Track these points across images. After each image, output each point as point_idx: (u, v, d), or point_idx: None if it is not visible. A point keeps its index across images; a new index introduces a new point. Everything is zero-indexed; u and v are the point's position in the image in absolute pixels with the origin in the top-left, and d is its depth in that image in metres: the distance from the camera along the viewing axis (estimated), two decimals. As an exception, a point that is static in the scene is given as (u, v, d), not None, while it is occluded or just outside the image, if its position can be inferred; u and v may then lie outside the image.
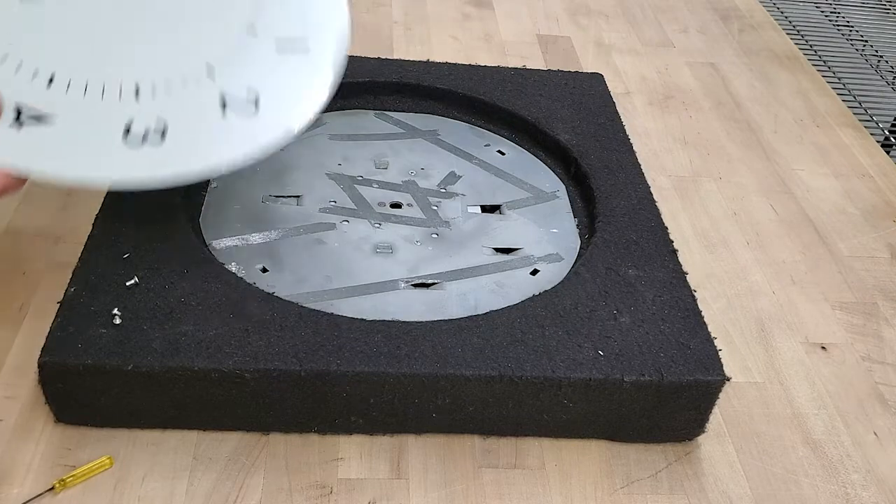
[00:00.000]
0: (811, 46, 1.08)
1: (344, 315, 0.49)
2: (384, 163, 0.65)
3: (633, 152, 0.66)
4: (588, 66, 0.88)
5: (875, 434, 0.54)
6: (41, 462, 0.46)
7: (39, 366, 0.45)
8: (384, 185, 0.63)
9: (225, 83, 0.41)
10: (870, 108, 0.98)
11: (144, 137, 0.39)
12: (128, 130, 0.39)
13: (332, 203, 0.60)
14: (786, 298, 0.63)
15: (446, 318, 0.50)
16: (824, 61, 1.05)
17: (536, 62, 0.88)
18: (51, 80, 0.41)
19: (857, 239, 0.70)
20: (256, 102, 0.41)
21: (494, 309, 0.51)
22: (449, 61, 0.73)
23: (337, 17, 0.47)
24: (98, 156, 0.40)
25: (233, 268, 0.53)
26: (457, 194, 0.63)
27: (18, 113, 0.41)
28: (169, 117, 0.39)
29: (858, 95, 1.00)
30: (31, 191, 0.62)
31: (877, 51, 1.10)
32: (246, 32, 0.44)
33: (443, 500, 0.47)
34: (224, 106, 0.41)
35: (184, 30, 0.44)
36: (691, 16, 1.02)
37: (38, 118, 0.41)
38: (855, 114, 0.88)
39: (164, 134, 0.39)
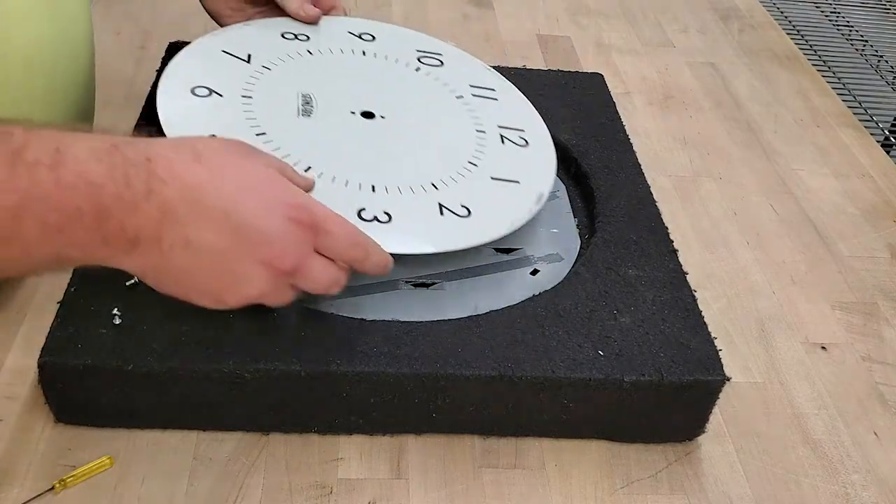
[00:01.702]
0: (811, 46, 1.08)
1: (344, 315, 0.49)
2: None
3: (633, 152, 0.66)
4: (588, 66, 0.88)
5: (875, 434, 0.54)
6: (41, 462, 0.46)
7: (39, 366, 0.45)
8: (384, 185, 0.63)
9: (443, 196, 0.54)
10: (870, 108, 0.98)
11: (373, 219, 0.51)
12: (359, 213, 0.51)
13: (333, 203, 0.60)
14: (786, 298, 0.63)
15: (446, 318, 0.50)
16: (824, 61, 1.05)
17: (536, 62, 0.88)
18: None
19: (857, 239, 0.70)
20: (469, 212, 0.54)
21: (494, 309, 0.51)
22: (449, 61, 0.73)
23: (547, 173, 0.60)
24: None
25: (233, 268, 0.53)
26: (457, 194, 0.63)
27: None
28: (393, 210, 0.52)
29: (858, 95, 1.00)
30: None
31: (877, 51, 1.10)
32: (467, 168, 0.57)
33: (443, 500, 0.47)
34: (441, 210, 0.53)
35: (422, 158, 0.57)
36: (691, 16, 1.02)
37: None
38: (855, 114, 0.88)
39: (390, 219, 0.51)
